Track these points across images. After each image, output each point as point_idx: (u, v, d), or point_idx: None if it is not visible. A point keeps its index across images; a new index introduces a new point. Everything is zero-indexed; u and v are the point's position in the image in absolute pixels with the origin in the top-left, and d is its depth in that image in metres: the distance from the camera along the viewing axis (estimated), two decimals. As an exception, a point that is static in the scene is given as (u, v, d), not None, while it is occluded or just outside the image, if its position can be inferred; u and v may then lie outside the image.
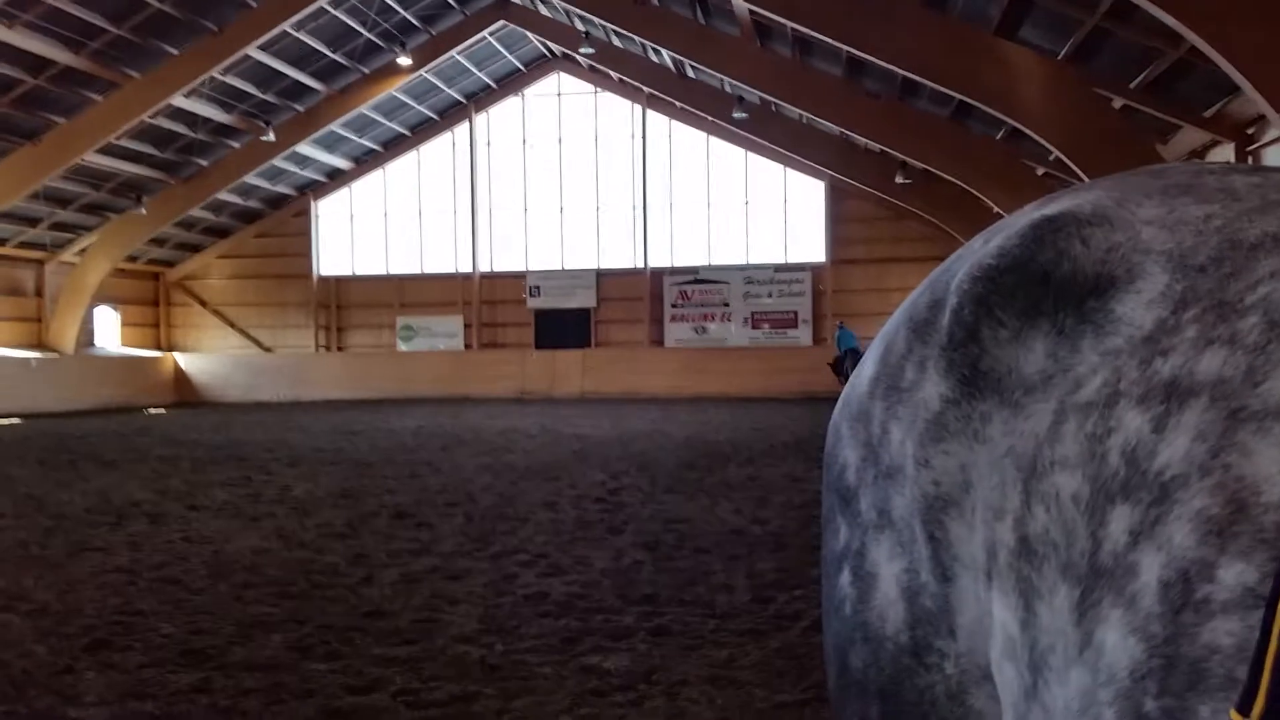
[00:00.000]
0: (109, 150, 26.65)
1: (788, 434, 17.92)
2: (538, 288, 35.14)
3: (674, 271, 34.62)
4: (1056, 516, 0.91)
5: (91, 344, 33.06)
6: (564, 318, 34.90)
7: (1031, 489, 0.94)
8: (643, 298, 34.59)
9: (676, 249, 34.84)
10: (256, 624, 5.60)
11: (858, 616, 1.13)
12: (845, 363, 30.60)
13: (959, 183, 24.00)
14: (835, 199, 33.58)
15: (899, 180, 28.84)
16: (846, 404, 1.25)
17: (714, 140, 33.93)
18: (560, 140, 35.22)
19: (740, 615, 5.70)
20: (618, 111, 34.94)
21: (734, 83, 27.18)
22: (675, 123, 34.30)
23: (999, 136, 21.97)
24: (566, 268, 35.22)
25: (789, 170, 33.62)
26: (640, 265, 34.82)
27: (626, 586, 6.42)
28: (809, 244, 34.17)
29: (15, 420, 24.80)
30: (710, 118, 32.24)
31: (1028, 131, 17.33)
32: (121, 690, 4.50)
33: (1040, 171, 22.17)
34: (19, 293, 30.86)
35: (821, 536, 1.26)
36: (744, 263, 34.34)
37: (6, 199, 25.42)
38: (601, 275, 34.98)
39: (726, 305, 34.26)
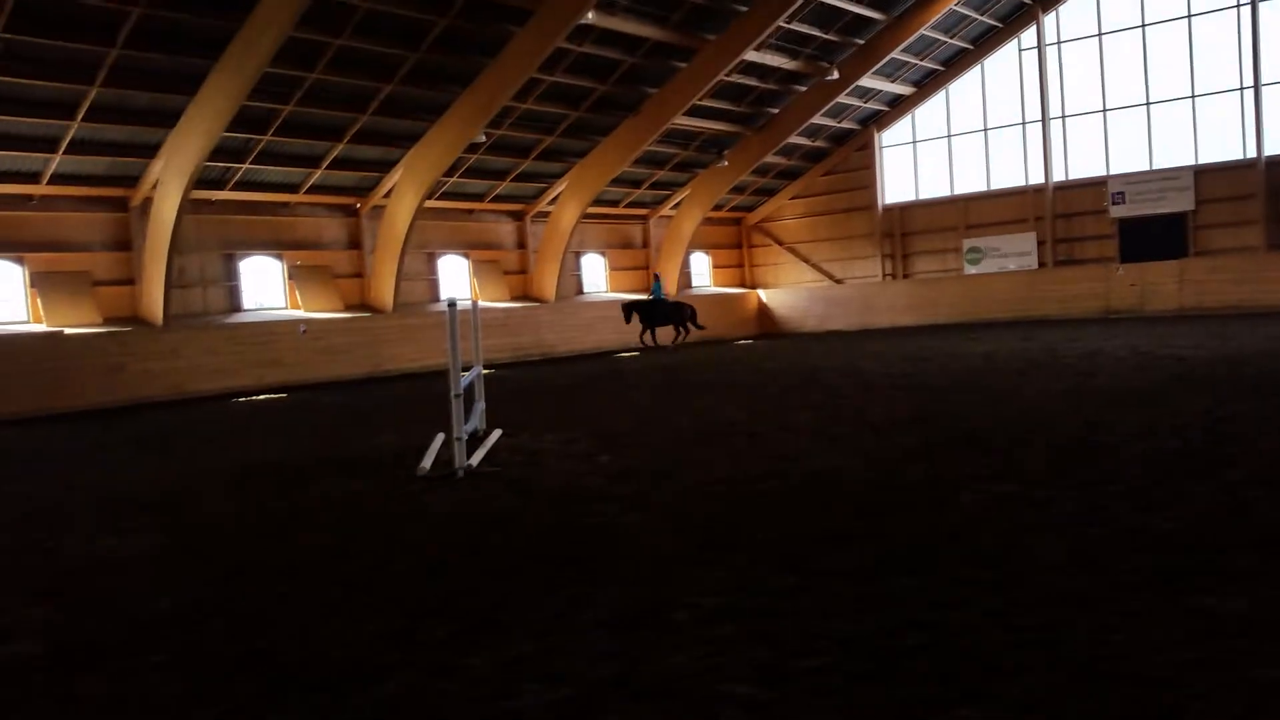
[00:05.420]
0: (693, 111, 29.60)
1: None
2: (1121, 194, 31.77)
3: (1300, 159, 28.94)
4: None
5: (690, 285, 37.51)
6: (1154, 225, 31.16)
7: None
8: (1255, 195, 29.50)
9: (1302, 132, 29.04)
10: (841, 536, 5.96)
11: None
12: (637, 311, 29.27)
13: None
14: None
15: None
16: None
17: (1354, -10, 27.48)
18: (1143, 25, 31.18)
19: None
20: (1217, -21, 29.89)
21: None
22: (1297, -22, 28.42)
23: None
24: (1155, 168, 31.31)
25: None
26: (1252, 156, 29.67)
27: (1240, 524, 5.65)
28: None
29: (634, 353, 29.08)
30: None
31: None
32: (730, 585, 5.11)
33: None
34: (630, 245, 35.98)
35: None
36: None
37: (617, 167, 29.63)
38: (1200, 173, 30.49)
39: (1378, 193, 27.81)
